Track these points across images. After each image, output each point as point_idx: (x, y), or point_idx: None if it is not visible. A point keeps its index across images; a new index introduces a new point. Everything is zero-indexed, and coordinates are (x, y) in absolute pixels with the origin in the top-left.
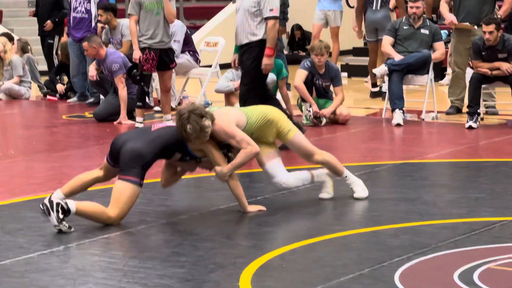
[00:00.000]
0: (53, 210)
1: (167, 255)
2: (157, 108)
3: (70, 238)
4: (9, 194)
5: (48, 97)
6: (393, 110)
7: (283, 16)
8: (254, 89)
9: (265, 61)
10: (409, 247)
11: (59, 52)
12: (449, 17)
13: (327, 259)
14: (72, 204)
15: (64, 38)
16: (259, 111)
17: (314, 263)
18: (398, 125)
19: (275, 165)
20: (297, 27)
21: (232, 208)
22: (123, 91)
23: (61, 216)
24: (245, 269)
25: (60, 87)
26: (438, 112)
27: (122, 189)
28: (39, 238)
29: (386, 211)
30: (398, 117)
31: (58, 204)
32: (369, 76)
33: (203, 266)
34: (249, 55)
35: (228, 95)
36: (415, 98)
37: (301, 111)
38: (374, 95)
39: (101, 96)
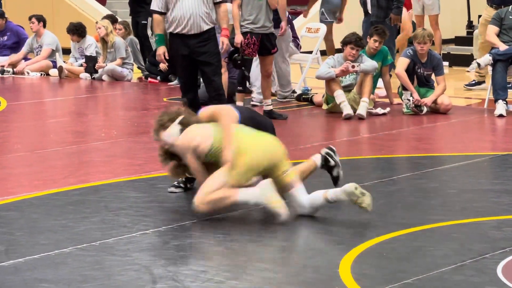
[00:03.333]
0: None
1: (266, 239)
2: None
3: (171, 219)
4: (112, 174)
5: (149, 79)
6: (496, 101)
7: (397, 5)
8: (221, 76)
9: (226, 41)
10: None
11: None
12: None
13: (428, 249)
14: None
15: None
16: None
17: (414, 252)
18: (500, 116)
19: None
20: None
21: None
22: (224, 75)
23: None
24: (345, 255)
25: (163, 66)
26: None
27: None
28: (141, 218)
29: (488, 203)
30: (501, 107)
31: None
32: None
33: (303, 252)
34: (216, 42)
35: (329, 81)
36: None
37: (402, 99)
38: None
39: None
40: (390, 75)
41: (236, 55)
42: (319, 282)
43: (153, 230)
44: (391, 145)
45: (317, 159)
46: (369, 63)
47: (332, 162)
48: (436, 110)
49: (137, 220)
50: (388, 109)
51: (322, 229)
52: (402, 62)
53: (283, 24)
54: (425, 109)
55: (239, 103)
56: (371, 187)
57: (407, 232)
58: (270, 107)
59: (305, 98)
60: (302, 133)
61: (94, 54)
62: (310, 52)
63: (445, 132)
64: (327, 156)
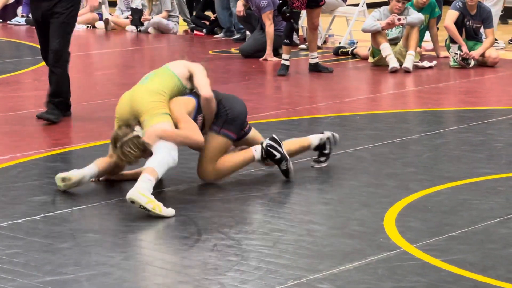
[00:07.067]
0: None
1: (311, 192)
2: (302, 46)
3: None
4: None
5: (195, 32)
6: None
7: None
8: (68, 43)
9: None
10: None
11: None
12: None
13: (473, 202)
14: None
15: None
16: None
17: (459, 205)
18: None
19: None
20: None
21: (378, 148)
22: (270, 28)
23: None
24: (390, 208)
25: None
26: None
27: None
28: (186, 171)
29: None
30: None
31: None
32: None
33: (348, 204)
34: (66, 4)
35: (375, 34)
36: None
37: (449, 52)
38: None
39: (247, 32)
40: (437, 28)
41: (285, 8)
42: (364, 234)
43: (197, 185)
44: (437, 99)
45: (256, 152)
46: (415, 16)
47: (277, 155)
48: (483, 64)
49: (182, 172)
50: (434, 62)
51: (366, 182)
52: (451, 15)
53: None
54: (472, 63)
55: (285, 56)
56: (417, 140)
57: (453, 185)
58: (316, 60)
59: (343, 52)
60: (348, 86)
61: (140, 7)
62: (356, 5)
63: (492, 86)
64: (270, 150)
